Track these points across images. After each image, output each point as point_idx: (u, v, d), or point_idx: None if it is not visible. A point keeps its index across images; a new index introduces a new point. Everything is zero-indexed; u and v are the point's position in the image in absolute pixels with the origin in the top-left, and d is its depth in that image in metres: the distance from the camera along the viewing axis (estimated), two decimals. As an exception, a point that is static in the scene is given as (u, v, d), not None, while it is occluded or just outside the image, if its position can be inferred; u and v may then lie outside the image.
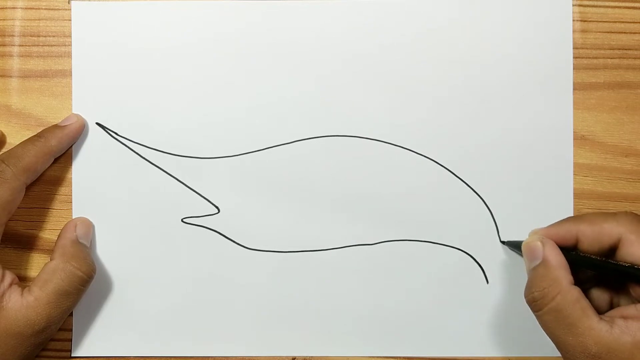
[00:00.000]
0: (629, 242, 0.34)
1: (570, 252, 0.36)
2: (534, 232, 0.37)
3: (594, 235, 0.35)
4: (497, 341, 0.40)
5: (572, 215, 0.40)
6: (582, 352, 0.32)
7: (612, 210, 0.39)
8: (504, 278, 0.40)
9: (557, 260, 0.35)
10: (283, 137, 0.40)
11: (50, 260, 0.37)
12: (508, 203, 0.40)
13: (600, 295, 0.37)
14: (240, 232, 0.40)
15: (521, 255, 0.37)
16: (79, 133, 0.40)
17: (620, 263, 0.34)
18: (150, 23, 0.40)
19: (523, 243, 0.37)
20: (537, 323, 0.40)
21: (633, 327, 0.32)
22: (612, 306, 0.37)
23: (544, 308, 0.34)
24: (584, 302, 0.33)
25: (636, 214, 0.35)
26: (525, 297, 0.35)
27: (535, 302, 0.35)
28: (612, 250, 0.35)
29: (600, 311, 0.34)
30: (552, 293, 0.34)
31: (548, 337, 0.34)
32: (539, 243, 0.36)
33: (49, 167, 0.40)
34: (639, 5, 0.41)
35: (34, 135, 0.39)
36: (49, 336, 0.37)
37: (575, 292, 0.34)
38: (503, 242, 0.40)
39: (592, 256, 0.35)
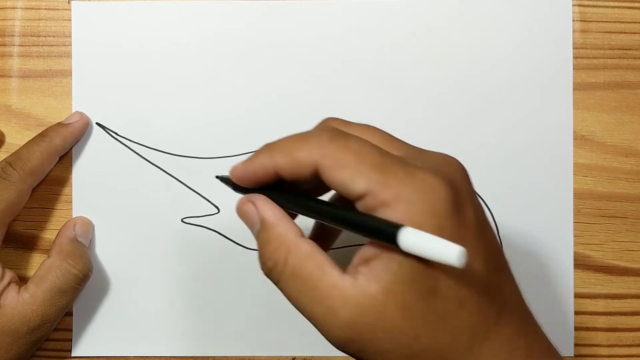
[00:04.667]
0: (325, 170, 0.26)
1: (289, 197, 0.28)
2: (233, 171, 0.29)
3: (291, 169, 0.27)
4: (497, 341, 0.40)
5: (571, 215, 0.40)
6: (336, 323, 0.25)
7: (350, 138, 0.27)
8: (504, 278, 0.40)
9: (274, 216, 0.27)
10: (283, 137, 0.40)
11: (47, 257, 0.38)
12: (508, 203, 0.40)
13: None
14: (240, 232, 0.40)
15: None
16: (83, 131, 0.40)
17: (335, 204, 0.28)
18: (150, 23, 0.40)
19: (236, 209, 0.29)
20: (539, 323, 0.40)
21: (377, 268, 0.25)
22: None
23: (282, 277, 0.27)
24: (320, 256, 0.26)
25: (335, 130, 0.28)
26: (263, 272, 0.28)
27: (272, 274, 0.27)
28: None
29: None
30: (282, 255, 0.26)
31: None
32: (250, 205, 0.28)
33: (49, 167, 0.40)
34: (639, 5, 0.41)
35: (38, 135, 0.39)
36: (45, 335, 0.37)
37: (306, 245, 0.26)
38: (218, 177, 0.32)
39: (304, 198, 0.28)
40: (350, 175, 0.25)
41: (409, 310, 0.25)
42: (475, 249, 0.25)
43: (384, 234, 0.24)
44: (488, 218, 0.28)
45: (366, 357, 0.26)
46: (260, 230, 0.28)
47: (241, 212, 0.29)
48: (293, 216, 0.29)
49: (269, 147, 0.28)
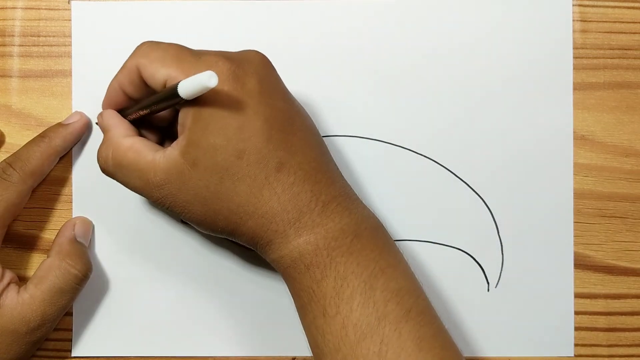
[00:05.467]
0: (142, 68, 0.33)
1: (131, 108, 0.35)
2: (102, 103, 0.37)
3: (126, 78, 0.34)
4: (497, 341, 0.40)
5: (571, 215, 0.40)
6: (152, 188, 0.32)
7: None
8: (504, 278, 0.40)
9: (109, 124, 0.35)
10: (283, 137, 0.40)
11: (47, 257, 0.38)
12: (508, 203, 0.40)
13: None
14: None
15: None
16: (84, 131, 0.40)
17: (153, 97, 0.33)
18: (150, 23, 0.40)
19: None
20: (539, 323, 0.40)
21: (179, 140, 0.32)
22: None
23: (110, 169, 0.34)
24: (138, 146, 0.33)
25: (153, 42, 0.33)
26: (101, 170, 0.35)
27: (105, 169, 0.34)
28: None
29: None
30: (109, 153, 0.34)
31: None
32: (100, 117, 0.36)
33: (49, 166, 0.40)
34: (639, 5, 0.41)
35: (38, 136, 0.39)
36: (45, 335, 0.37)
37: (127, 141, 0.34)
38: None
39: (142, 100, 0.34)
40: (156, 67, 0.32)
41: (198, 165, 0.31)
42: (257, 109, 0.31)
43: (172, 93, 0.30)
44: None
45: (177, 210, 0.33)
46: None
47: (98, 124, 0.36)
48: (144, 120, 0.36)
49: (119, 71, 0.35)
